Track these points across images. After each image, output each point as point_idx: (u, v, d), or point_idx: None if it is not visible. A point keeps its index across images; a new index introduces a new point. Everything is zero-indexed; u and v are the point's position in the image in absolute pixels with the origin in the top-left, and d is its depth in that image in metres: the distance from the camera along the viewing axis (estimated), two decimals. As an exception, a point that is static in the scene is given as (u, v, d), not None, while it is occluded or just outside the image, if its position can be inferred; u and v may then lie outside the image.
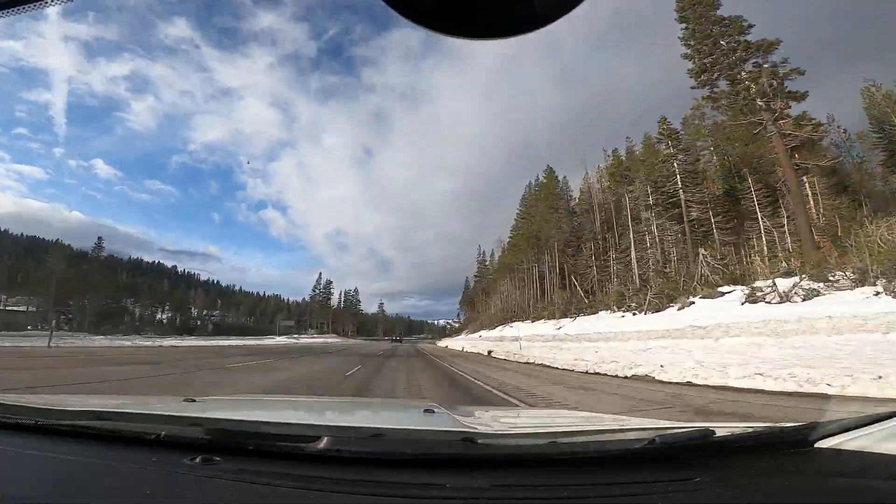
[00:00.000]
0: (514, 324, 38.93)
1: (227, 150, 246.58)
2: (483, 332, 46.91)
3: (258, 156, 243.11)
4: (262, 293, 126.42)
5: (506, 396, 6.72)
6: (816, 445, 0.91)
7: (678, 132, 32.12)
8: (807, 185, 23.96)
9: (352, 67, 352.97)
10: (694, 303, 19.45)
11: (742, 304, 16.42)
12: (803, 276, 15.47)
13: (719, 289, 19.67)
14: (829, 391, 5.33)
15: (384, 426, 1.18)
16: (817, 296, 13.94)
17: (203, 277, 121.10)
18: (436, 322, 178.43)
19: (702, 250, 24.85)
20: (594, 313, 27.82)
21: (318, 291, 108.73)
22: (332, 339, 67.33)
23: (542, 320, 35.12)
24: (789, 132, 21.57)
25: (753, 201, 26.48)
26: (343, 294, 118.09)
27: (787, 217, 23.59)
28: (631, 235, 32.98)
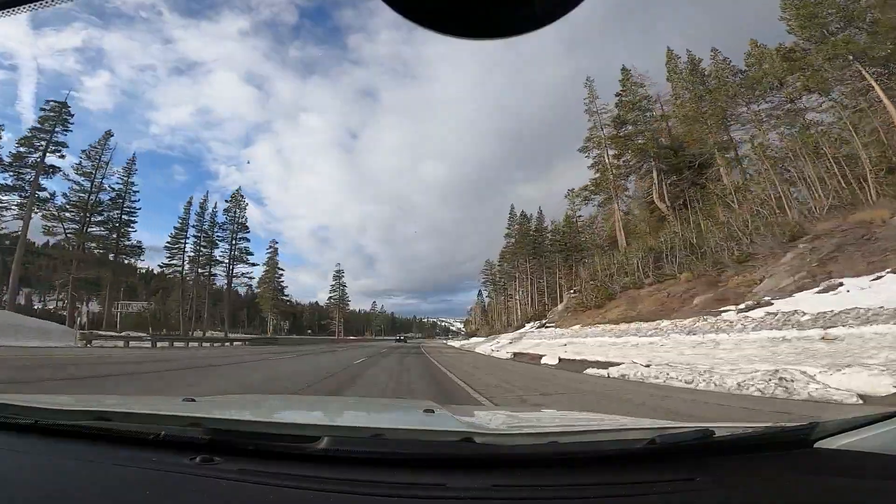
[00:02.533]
0: None
1: (195, 133, 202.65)
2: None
3: (230, 141, 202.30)
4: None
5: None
6: (816, 445, 0.91)
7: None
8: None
9: (337, 36, 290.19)
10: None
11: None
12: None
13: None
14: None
15: (384, 426, 1.19)
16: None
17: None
18: (425, 319, 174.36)
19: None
20: None
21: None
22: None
23: None
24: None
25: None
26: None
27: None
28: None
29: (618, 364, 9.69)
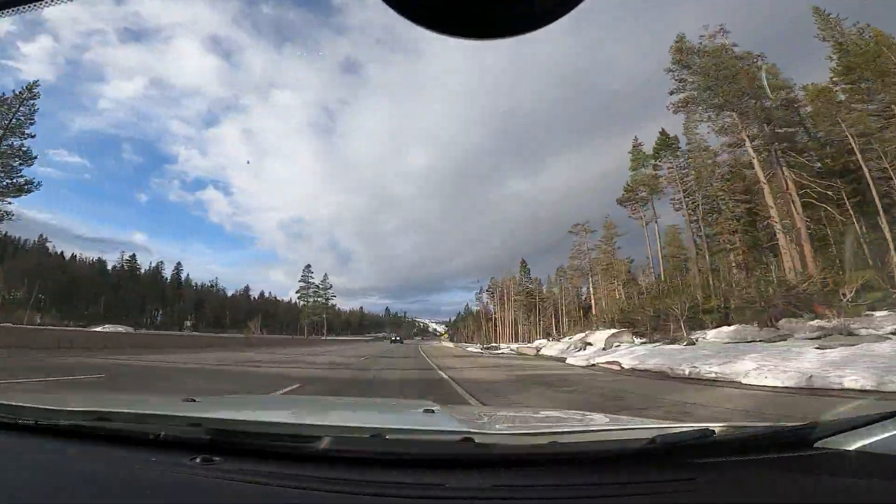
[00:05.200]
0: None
1: (151, 110, 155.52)
2: None
3: (191, 119, 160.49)
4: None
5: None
6: (816, 445, 0.90)
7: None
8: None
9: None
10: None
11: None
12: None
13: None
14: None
15: (384, 426, 1.18)
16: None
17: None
18: (404, 315, 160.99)
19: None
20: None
21: None
22: None
23: None
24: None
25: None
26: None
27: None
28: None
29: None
